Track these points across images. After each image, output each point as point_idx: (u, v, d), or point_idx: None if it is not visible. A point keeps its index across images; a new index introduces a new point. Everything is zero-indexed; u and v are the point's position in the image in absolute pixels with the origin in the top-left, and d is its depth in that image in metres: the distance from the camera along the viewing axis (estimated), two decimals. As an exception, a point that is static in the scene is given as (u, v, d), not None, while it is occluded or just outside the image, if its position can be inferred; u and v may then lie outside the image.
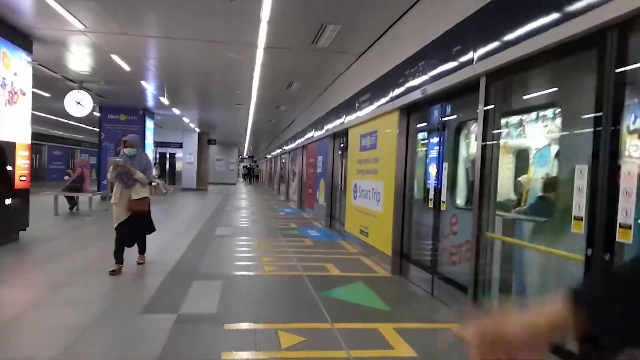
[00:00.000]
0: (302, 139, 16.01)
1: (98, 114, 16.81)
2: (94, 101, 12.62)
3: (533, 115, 4.00)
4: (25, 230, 8.02)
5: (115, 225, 5.89)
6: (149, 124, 17.94)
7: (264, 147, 39.37)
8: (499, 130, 4.14)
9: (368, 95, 7.81)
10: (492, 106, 4.13)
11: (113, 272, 5.70)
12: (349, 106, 9.17)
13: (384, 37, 7.17)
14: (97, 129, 17.38)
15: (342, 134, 10.25)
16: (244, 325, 4.15)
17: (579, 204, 2.87)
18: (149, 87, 12.89)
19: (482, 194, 4.17)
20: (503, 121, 4.17)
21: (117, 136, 15.09)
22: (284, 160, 23.97)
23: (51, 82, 11.78)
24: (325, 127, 11.69)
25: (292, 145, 19.01)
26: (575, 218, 2.89)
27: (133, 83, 12.14)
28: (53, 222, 10.72)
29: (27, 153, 8.00)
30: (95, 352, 3.52)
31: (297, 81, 11.16)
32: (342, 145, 10.64)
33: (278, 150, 26.46)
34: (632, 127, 2.65)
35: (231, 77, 11.16)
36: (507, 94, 4.18)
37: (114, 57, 9.29)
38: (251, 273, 6.25)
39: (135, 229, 6.04)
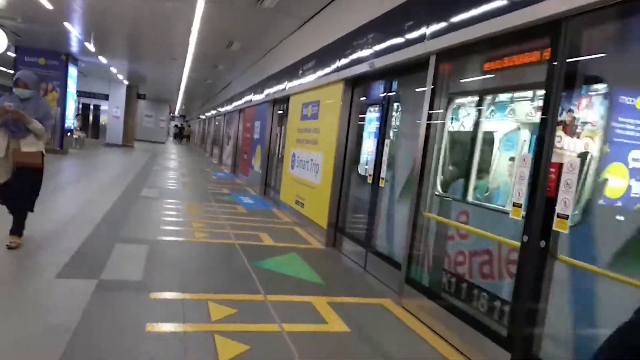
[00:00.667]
0: (240, 102, 15.50)
1: (13, 55, 15.21)
2: (8, 39, 11.35)
3: (477, 99, 4.03)
4: None
5: None
6: (72, 71, 16.52)
7: (197, 106, 37.86)
8: (444, 111, 4.15)
9: (313, 62, 7.60)
10: (440, 85, 4.12)
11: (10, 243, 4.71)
12: (292, 72, 8.90)
13: (334, 3, 6.95)
14: (12, 72, 15.73)
15: (282, 101, 9.98)
16: (172, 295, 3.94)
17: (520, 191, 2.93)
18: (74, 31, 11.76)
19: (422, 173, 4.19)
20: (450, 101, 4.17)
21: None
22: (218, 123, 23.21)
23: (-44, 13, 10.42)
24: (266, 92, 11.34)
25: (229, 108, 18.39)
26: (514, 205, 2.95)
27: (55, 24, 11.00)
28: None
29: None
30: (1, 324, 3.16)
31: (238, 41, 10.64)
32: (281, 112, 10.38)
33: (213, 112, 25.54)
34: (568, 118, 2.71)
35: (167, 29, 10.43)
36: (456, 74, 4.17)
37: (34, -8, 8.33)
38: (180, 239, 5.97)
39: (21, 190, 4.71)
